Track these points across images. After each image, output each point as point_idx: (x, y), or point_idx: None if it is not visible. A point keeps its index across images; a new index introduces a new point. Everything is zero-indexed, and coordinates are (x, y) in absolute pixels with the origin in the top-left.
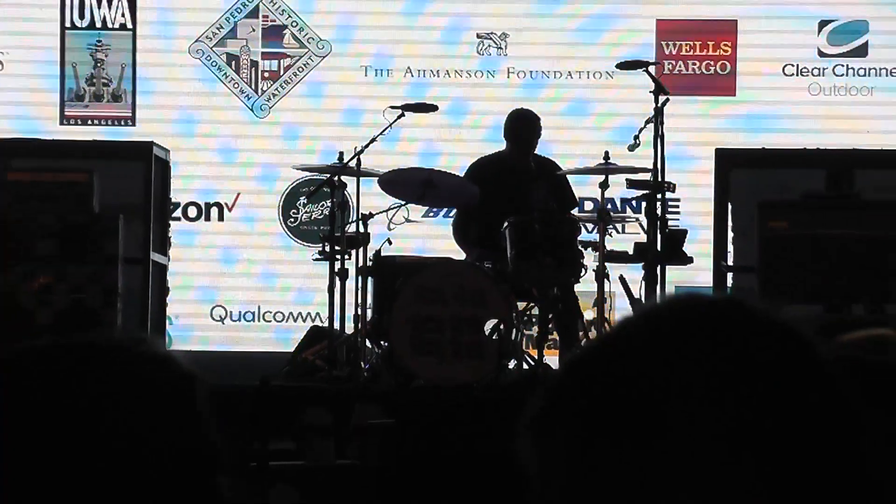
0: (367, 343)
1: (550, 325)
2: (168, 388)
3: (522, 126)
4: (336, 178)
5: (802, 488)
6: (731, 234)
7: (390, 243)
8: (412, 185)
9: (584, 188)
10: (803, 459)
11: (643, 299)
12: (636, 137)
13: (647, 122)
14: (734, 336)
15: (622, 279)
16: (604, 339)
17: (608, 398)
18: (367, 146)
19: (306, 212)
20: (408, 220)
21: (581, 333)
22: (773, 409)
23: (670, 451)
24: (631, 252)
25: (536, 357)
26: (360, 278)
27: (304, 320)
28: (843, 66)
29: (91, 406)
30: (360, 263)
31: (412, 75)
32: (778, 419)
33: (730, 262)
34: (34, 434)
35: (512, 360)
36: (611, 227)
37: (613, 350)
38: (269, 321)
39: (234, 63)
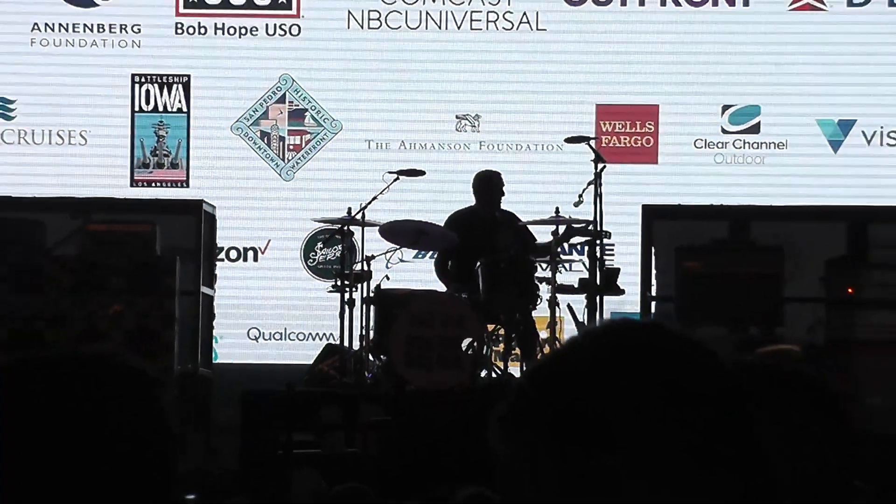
0: (370, 357)
1: (513, 343)
2: (138, 388)
3: (485, 186)
4: (345, 228)
5: (728, 478)
6: (654, 272)
7: (388, 279)
8: (405, 233)
9: (540, 236)
10: (722, 450)
11: (586, 322)
12: (580, 196)
13: (589, 183)
14: (659, 352)
15: (569, 307)
16: (557, 354)
17: (567, 411)
18: (369, 203)
19: (322, 254)
20: (402, 261)
21: (537, 349)
22: (698, 414)
23: (625, 459)
24: (576, 286)
25: (502, 368)
26: (364, 306)
27: (320, 339)
28: (741, 140)
29: (81, 398)
30: (365, 295)
31: (405, 147)
32: (700, 423)
33: (653, 294)
34: (36, 421)
35: (483, 370)
36: (560, 266)
37: (566, 365)
38: (293, 340)
39: (266, 138)
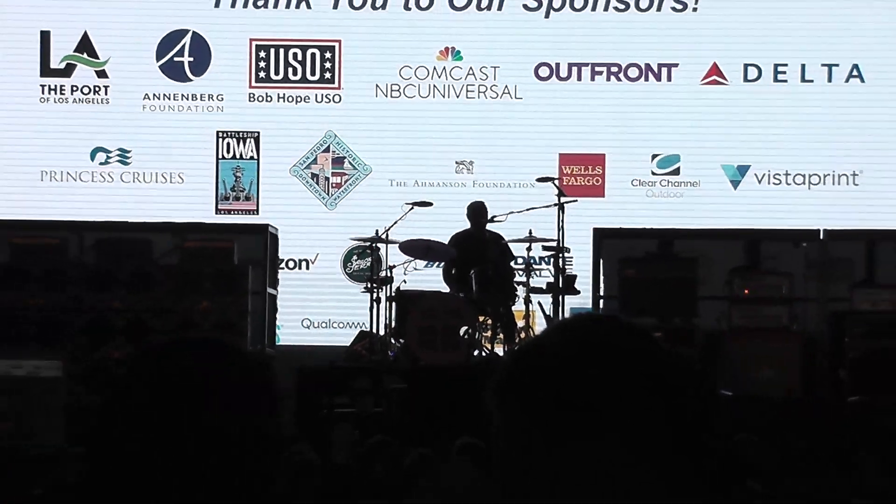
0: (392, 340)
1: (498, 330)
2: (251, 363)
3: (474, 214)
4: (374, 245)
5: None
6: (602, 278)
7: (405, 283)
8: (418, 249)
9: (518, 251)
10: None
11: (551, 315)
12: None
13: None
14: (626, 341)
15: (539, 304)
16: (534, 341)
17: (556, 396)
18: (391, 226)
19: (357, 264)
20: (415, 269)
21: (516, 335)
22: (678, 403)
23: (612, 442)
24: (544, 287)
25: (490, 349)
26: (388, 303)
27: (355, 328)
28: (666, 180)
29: (203, 374)
30: (388, 294)
31: (418, 185)
32: (679, 411)
33: (601, 294)
34: (164, 397)
35: (476, 351)
36: (533, 273)
37: (543, 349)
38: (335, 328)
39: (315, 178)
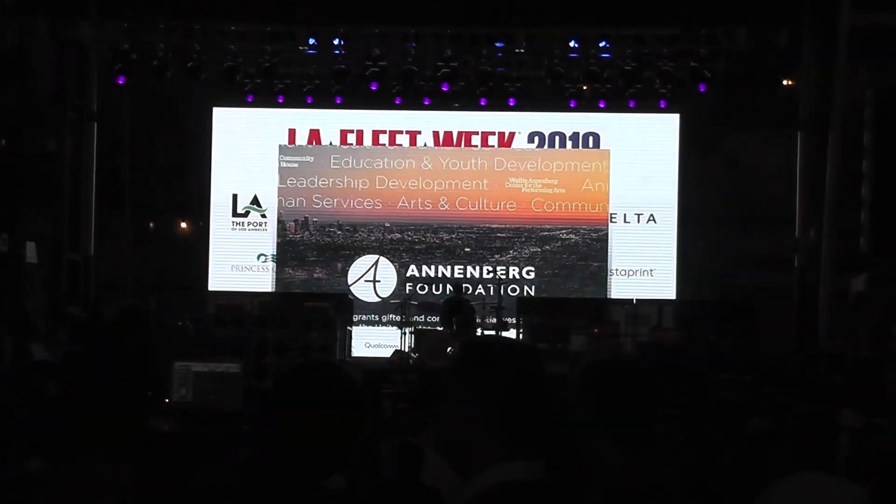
0: (413, 355)
1: None
2: (350, 379)
3: (450, 307)
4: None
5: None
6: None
7: (420, 325)
8: (429, 307)
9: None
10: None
11: None
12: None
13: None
14: (493, 348)
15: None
16: (457, 352)
17: (453, 376)
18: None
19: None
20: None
21: None
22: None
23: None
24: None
25: None
26: (411, 335)
27: (391, 348)
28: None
29: (333, 385)
30: (411, 330)
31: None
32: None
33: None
34: (308, 399)
35: None
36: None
37: (460, 353)
38: (382, 348)
39: None
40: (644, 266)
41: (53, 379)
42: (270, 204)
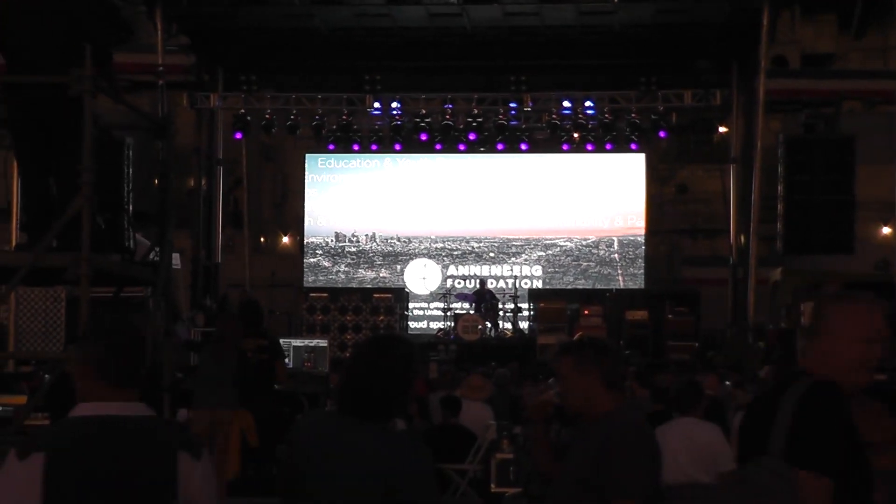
0: (452, 332)
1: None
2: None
3: (479, 296)
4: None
5: None
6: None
7: (458, 311)
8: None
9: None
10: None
11: None
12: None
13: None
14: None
15: None
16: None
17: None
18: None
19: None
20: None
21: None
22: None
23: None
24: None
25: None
26: (452, 318)
27: (435, 327)
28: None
29: (396, 351)
30: (451, 315)
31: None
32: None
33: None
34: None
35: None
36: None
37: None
38: (431, 327)
39: None
40: (621, 264)
41: (195, 352)
42: (348, 223)
